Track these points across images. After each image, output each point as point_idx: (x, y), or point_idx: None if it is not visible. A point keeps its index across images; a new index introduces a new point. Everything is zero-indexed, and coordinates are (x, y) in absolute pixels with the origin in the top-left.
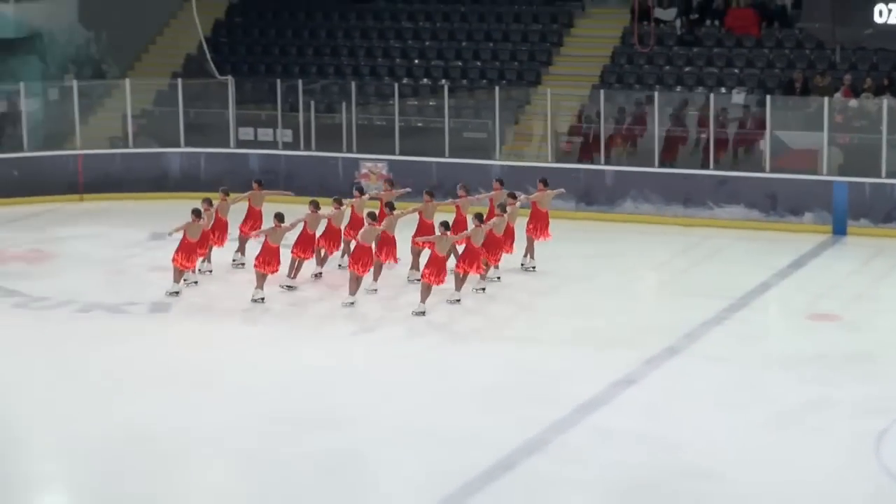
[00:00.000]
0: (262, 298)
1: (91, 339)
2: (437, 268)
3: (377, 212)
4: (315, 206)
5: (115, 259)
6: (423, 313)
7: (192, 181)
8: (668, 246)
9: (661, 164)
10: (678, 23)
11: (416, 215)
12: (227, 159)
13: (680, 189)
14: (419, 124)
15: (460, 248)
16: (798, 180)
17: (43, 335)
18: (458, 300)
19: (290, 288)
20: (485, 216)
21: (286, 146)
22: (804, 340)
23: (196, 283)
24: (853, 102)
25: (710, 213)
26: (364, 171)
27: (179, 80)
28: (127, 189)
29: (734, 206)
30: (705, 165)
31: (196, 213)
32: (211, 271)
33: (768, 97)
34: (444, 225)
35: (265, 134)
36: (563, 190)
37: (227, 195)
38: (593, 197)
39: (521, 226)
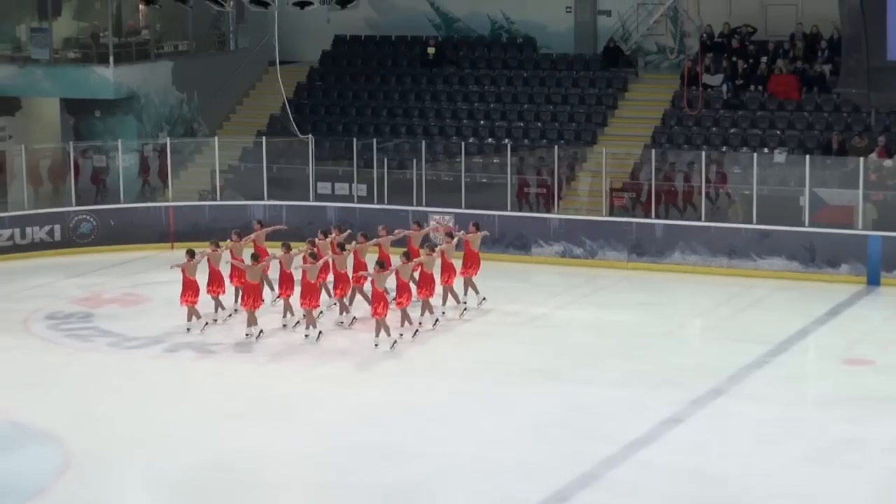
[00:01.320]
0: (261, 332)
1: (178, 376)
2: (381, 301)
3: (316, 251)
4: (287, 247)
5: (202, 303)
6: (395, 342)
7: (275, 232)
8: (713, 294)
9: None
10: (724, 88)
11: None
12: (307, 211)
13: (725, 241)
14: (484, 180)
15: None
16: (835, 234)
17: (134, 372)
18: (418, 330)
19: (284, 327)
20: (409, 254)
21: (361, 199)
22: (840, 383)
23: (231, 315)
24: (887, 162)
25: (753, 264)
26: (433, 223)
27: (264, 139)
28: (214, 238)
29: (775, 257)
30: (748, 220)
31: (190, 254)
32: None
33: (807, 157)
34: (380, 264)
35: (342, 188)
36: (487, 233)
37: (240, 237)
38: (644, 248)
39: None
